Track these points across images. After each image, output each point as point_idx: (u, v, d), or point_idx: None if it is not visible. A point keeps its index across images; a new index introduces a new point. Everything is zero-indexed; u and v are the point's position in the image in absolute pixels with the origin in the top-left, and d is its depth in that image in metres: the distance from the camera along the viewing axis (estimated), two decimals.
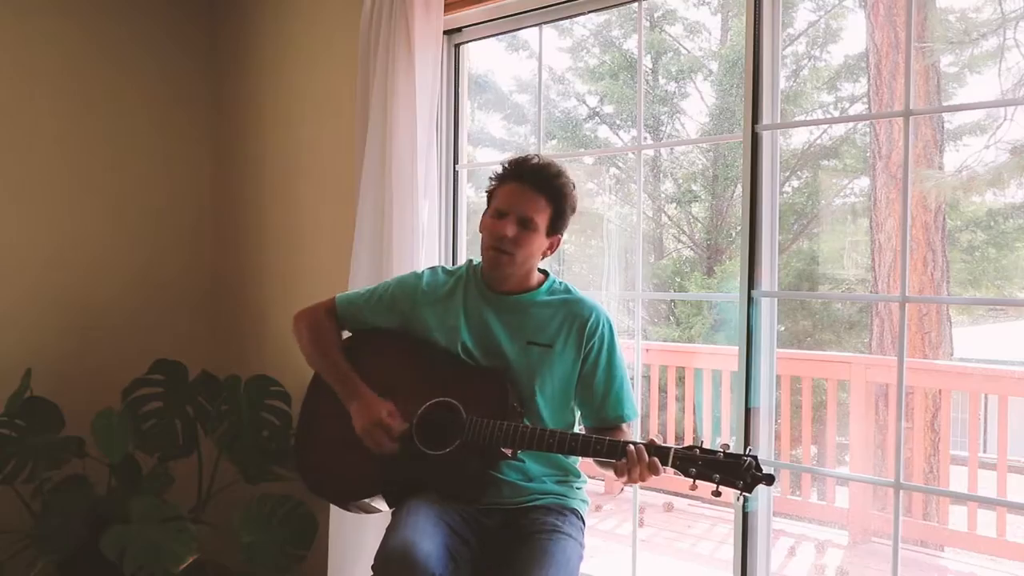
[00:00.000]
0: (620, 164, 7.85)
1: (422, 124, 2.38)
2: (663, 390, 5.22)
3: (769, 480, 1.51)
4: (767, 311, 2.02)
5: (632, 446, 1.57)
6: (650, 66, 8.23)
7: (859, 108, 7.05)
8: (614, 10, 5.94)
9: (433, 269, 1.95)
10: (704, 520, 4.68)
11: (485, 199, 1.88)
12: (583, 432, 1.77)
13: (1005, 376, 4.31)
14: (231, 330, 3.24)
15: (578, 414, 1.88)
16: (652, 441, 1.59)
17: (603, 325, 1.82)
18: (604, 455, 1.61)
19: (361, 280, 2.43)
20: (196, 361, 2.89)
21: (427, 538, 1.59)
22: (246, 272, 3.19)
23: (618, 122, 8.38)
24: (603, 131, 8.55)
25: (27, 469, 2.44)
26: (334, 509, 2.41)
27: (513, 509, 1.77)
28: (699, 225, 8.36)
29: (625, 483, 1.60)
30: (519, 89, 8.79)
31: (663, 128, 8.29)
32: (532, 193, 1.76)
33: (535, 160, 1.80)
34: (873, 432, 4.69)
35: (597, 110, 8.41)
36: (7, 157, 2.81)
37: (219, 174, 3.30)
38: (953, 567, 4.19)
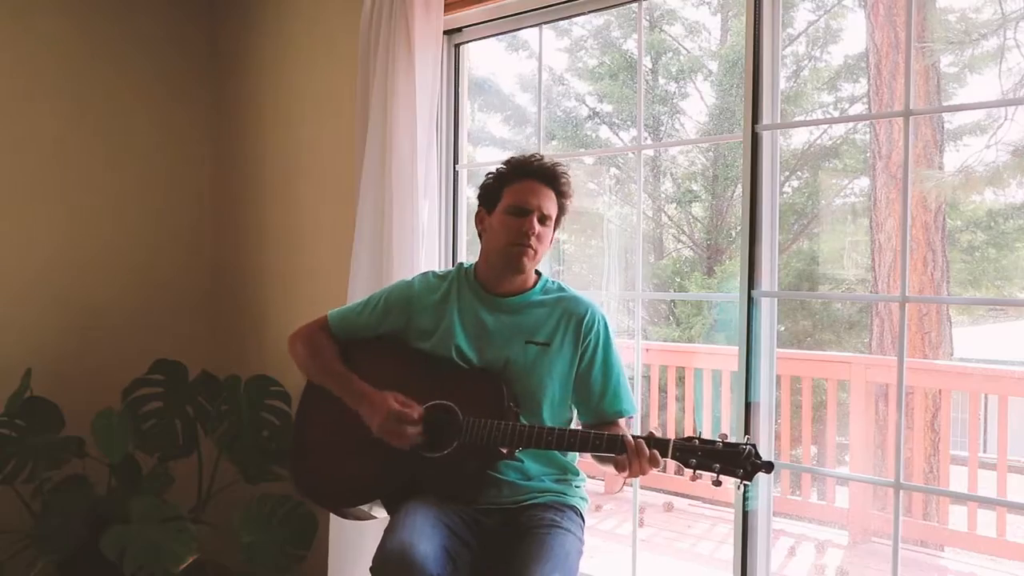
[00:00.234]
0: (620, 164, 7.85)
1: (422, 124, 2.38)
2: (663, 390, 5.22)
3: (768, 467, 1.53)
4: (767, 311, 2.02)
5: (632, 439, 1.58)
6: (650, 66, 8.23)
7: (859, 108, 7.04)
8: (613, 10, 5.95)
9: (424, 275, 1.95)
10: (704, 520, 4.68)
11: (481, 196, 1.87)
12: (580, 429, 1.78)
13: (1005, 376, 4.31)
14: (231, 330, 3.24)
15: (574, 412, 1.88)
16: (651, 434, 1.60)
17: (599, 322, 1.83)
18: (604, 450, 1.61)
19: (361, 281, 2.43)
20: (196, 361, 2.89)
21: (425, 539, 1.59)
22: (246, 272, 3.19)
23: (617, 122, 8.37)
24: (603, 131, 8.55)
25: (27, 469, 2.44)
26: None
27: (512, 508, 1.77)
28: (699, 225, 8.35)
29: (626, 477, 1.60)
30: (521, 89, 8.79)
31: (663, 128, 8.29)
32: (548, 190, 1.80)
33: (544, 159, 1.84)
34: (873, 432, 4.69)
35: (597, 110, 8.41)
36: (7, 157, 2.81)
37: (219, 174, 3.30)
38: (953, 567, 4.19)
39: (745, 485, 1.54)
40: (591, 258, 8.13)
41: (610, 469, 1.65)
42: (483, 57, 8.38)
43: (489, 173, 1.87)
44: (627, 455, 1.58)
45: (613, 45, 8.33)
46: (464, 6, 2.44)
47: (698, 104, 8.37)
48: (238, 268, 3.23)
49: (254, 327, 3.13)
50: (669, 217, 8.47)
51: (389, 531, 1.65)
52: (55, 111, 2.91)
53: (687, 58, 8.31)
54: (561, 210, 1.83)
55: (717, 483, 1.53)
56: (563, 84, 8.47)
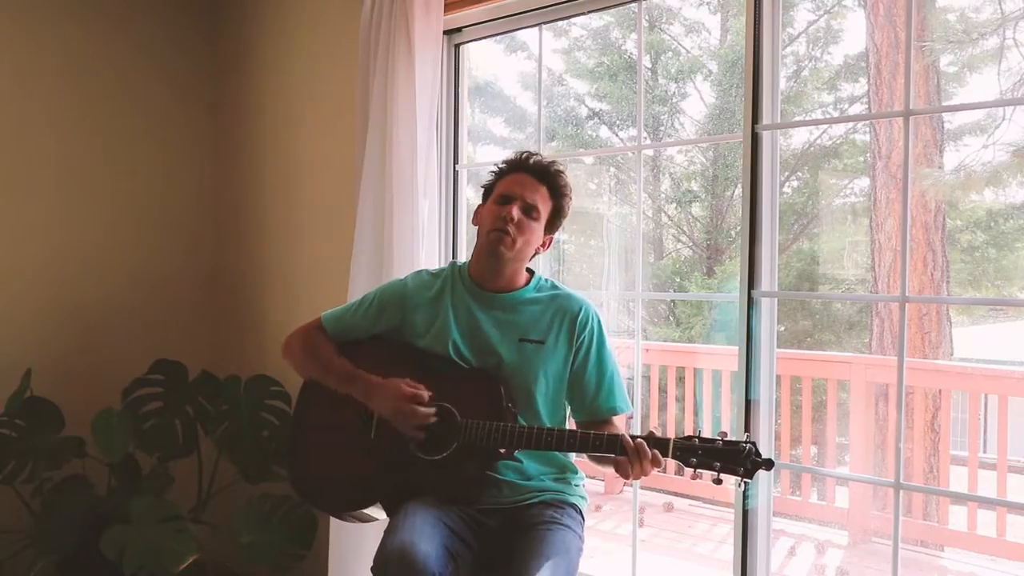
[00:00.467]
0: (620, 163, 7.85)
1: (422, 124, 2.38)
2: (663, 390, 5.22)
3: (769, 464, 1.53)
4: (767, 311, 2.02)
5: (632, 440, 1.58)
6: (649, 66, 8.23)
7: (859, 108, 7.04)
8: (613, 11, 5.95)
9: (417, 272, 1.96)
10: (704, 520, 4.68)
11: (481, 195, 1.89)
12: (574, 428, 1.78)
13: (1005, 376, 4.32)
14: (231, 330, 3.24)
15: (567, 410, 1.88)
16: (651, 434, 1.60)
17: (592, 319, 1.84)
18: (603, 450, 1.61)
19: (361, 280, 2.43)
20: (196, 361, 2.89)
21: (426, 539, 1.59)
22: (246, 272, 3.19)
23: (617, 122, 8.37)
24: (604, 131, 8.55)
25: (27, 469, 2.44)
26: None
27: (512, 508, 1.77)
28: (699, 225, 8.35)
29: (627, 477, 1.60)
30: (522, 88, 8.79)
31: (662, 128, 8.29)
32: (537, 183, 1.81)
33: (538, 156, 1.85)
34: (873, 432, 4.70)
35: (597, 110, 8.41)
36: (7, 157, 2.81)
37: (219, 174, 3.30)
38: (953, 567, 4.19)
39: (745, 483, 1.55)
40: (591, 258, 8.13)
41: (608, 470, 1.65)
42: (483, 58, 8.38)
43: (491, 171, 1.89)
44: (628, 455, 1.58)
45: (612, 45, 8.33)
46: (464, 6, 2.44)
47: (697, 104, 8.38)
48: (238, 268, 3.23)
49: (254, 327, 3.13)
50: (669, 217, 8.47)
51: (389, 531, 1.65)
52: (55, 111, 2.91)
53: (687, 58, 8.31)
54: (557, 211, 1.83)
55: (718, 481, 1.54)
56: (562, 84, 8.47)
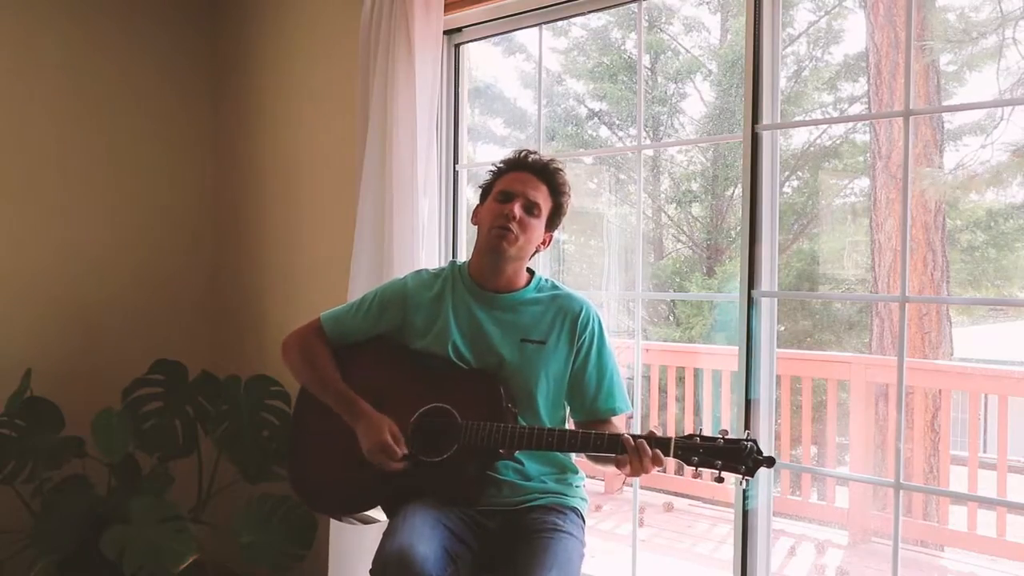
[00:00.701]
0: (619, 163, 7.84)
1: (422, 124, 2.38)
2: (663, 390, 5.22)
3: (770, 462, 1.53)
4: (767, 311, 2.02)
5: (634, 439, 1.58)
6: (649, 66, 8.23)
7: (859, 108, 7.04)
8: (612, 10, 5.95)
9: (417, 272, 1.95)
10: (704, 520, 4.68)
11: (480, 194, 1.89)
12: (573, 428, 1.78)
13: (1005, 376, 4.31)
14: (231, 330, 3.24)
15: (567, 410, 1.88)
16: (652, 433, 1.60)
17: (593, 319, 1.84)
18: (604, 450, 1.61)
19: (361, 280, 2.43)
20: (196, 361, 2.89)
21: (425, 541, 1.59)
22: (246, 272, 3.19)
23: (617, 122, 8.37)
24: (603, 131, 8.55)
25: (27, 469, 2.44)
26: None
27: (513, 510, 1.77)
28: (699, 225, 8.35)
29: (628, 475, 1.60)
30: (522, 88, 8.78)
31: (662, 128, 8.29)
32: (537, 181, 1.81)
33: (537, 154, 1.86)
34: (873, 432, 4.70)
35: (597, 110, 8.41)
36: (7, 157, 2.81)
37: (219, 174, 3.30)
38: (953, 567, 4.19)
39: (746, 481, 1.55)
40: (591, 258, 8.12)
41: (609, 469, 1.65)
42: (483, 61, 8.37)
43: (490, 170, 1.89)
44: (629, 455, 1.57)
45: (612, 46, 8.32)
46: (464, 6, 2.44)
47: (697, 104, 8.37)
48: (238, 268, 3.23)
49: (254, 327, 3.13)
50: (669, 217, 8.47)
51: (388, 533, 1.65)
52: (56, 111, 2.91)
53: (686, 58, 8.31)
54: (557, 209, 1.84)
55: (719, 479, 1.54)
56: (562, 84, 8.47)
